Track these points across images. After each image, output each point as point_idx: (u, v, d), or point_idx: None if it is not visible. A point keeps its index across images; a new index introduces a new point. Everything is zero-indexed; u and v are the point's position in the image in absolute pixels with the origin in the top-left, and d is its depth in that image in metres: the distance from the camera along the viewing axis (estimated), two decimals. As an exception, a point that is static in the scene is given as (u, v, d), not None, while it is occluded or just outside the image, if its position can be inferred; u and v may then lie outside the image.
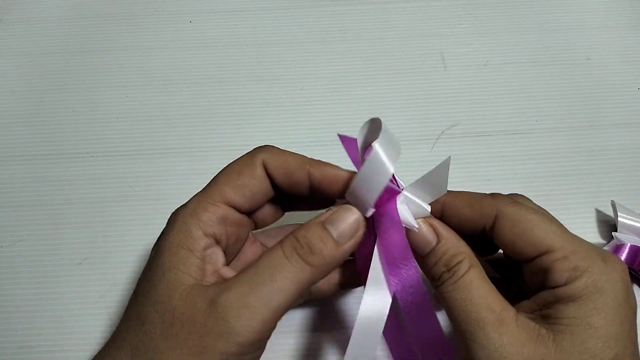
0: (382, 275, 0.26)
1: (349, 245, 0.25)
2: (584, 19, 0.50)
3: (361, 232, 0.26)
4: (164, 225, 0.27)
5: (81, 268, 0.39)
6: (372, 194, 0.25)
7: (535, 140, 0.44)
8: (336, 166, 0.28)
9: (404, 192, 0.27)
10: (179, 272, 0.24)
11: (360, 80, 0.47)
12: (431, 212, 0.28)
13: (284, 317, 0.25)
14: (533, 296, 0.26)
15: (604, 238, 0.40)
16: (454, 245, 0.26)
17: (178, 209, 0.27)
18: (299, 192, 0.28)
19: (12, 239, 0.40)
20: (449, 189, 0.28)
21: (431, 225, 0.27)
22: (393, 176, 0.27)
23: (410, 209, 0.26)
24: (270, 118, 0.45)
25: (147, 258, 0.27)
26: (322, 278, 0.26)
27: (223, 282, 0.24)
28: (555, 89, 0.46)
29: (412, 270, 0.25)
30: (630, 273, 0.37)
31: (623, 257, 0.36)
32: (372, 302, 0.25)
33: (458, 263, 0.25)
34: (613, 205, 0.38)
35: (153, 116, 0.45)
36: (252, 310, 0.23)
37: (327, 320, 0.36)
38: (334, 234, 0.25)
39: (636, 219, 0.37)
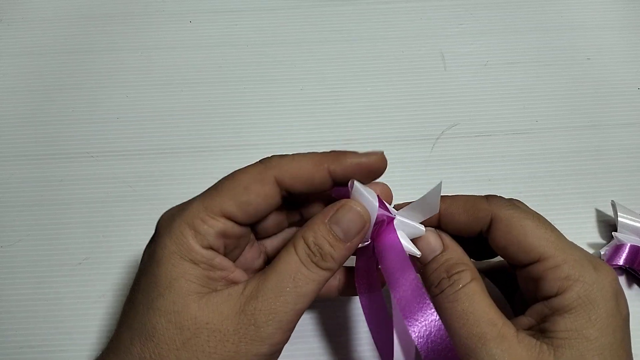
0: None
1: (356, 241, 0.26)
2: (584, 19, 0.50)
3: (366, 226, 0.26)
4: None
5: (81, 268, 0.39)
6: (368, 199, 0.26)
7: (535, 140, 0.44)
8: (354, 152, 0.27)
9: (398, 217, 0.27)
10: (188, 282, 0.24)
11: (361, 80, 0.47)
12: (428, 220, 0.28)
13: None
14: (528, 310, 0.26)
15: (604, 238, 0.40)
16: (457, 256, 0.27)
17: (173, 212, 0.26)
18: (322, 191, 0.27)
19: (12, 239, 0.40)
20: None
21: (439, 236, 0.28)
22: (384, 205, 0.27)
23: (406, 231, 0.27)
24: (270, 118, 0.45)
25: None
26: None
27: (245, 289, 0.25)
28: (556, 89, 0.46)
29: (431, 317, 0.24)
30: (630, 273, 0.37)
31: (623, 257, 0.36)
32: None
33: (459, 272, 0.26)
34: (613, 205, 0.38)
35: (153, 116, 0.45)
36: (280, 316, 0.24)
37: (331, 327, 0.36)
38: (340, 235, 0.25)
39: (636, 219, 0.37)
